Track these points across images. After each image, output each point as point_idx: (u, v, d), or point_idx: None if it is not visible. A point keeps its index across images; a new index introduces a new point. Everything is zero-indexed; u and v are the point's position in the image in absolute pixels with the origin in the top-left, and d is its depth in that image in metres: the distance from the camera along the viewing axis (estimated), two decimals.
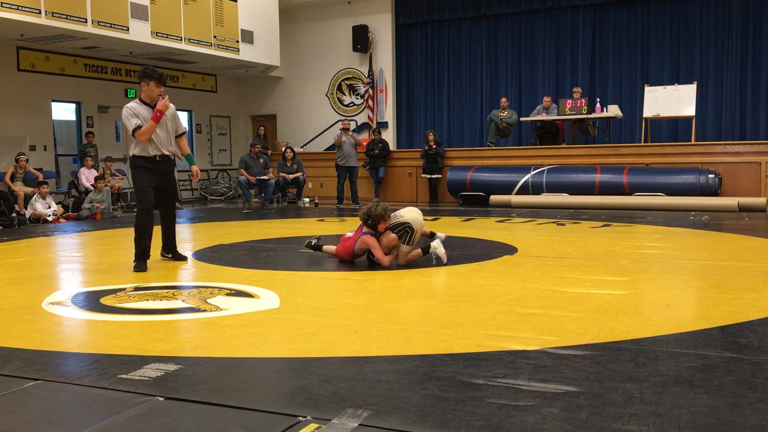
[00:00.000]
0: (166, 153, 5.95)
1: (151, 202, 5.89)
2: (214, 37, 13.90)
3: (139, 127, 5.74)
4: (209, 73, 16.55)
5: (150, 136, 5.77)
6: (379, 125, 15.72)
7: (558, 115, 13.45)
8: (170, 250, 6.29)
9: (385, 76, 16.10)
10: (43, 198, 10.85)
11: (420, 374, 2.89)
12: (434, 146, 13.56)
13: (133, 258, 5.86)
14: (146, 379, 2.87)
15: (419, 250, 5.78)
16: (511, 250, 6.64)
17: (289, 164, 13.80)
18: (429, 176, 13.77)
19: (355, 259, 5.96)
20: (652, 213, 10.45)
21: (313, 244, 6.42)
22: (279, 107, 17.30)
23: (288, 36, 16.46)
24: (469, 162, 13.56)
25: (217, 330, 3.73)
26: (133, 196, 13.54)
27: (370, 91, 16.03)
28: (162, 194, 6.04)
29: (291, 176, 13.62)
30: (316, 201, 13.74)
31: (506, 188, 12.48)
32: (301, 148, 15.84)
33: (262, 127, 15.57)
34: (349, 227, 8.84)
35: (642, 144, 12.80)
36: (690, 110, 12.52)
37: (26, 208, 10.78)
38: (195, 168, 6.26)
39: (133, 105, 5.88)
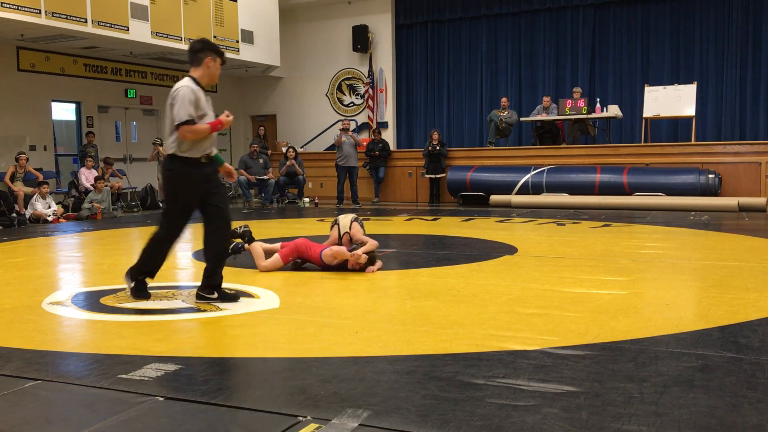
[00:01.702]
0: (211, 153, 4.46)
1: (177, 233, 4.39)
2: (214, 37, 13.88)
3: (193, 122, 4.26)
4: None
5: (194, 140, 4.29)
6: (379, 125, 15.71)
7: (558, 115, 13.45)
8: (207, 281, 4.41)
9: (385, 76, 16.10)
10: (43, 198, 10.84)
11: (420, 374, 2.89)
12: (437, 146, 13.56)
13: (131, 278, 4.49)
14: (146, 379, 2.87)
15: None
16: (511, 250, 6.64)
17: (290, 164, 13.81)
18: (432, 176, 13.76)
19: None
20: (652, 213, 10.45)
21: (241, 236, 5.94)
22: (279, 107, 17.29)
23: (288, 36, 16.45)
24: (469, 162, 13.56)
25: (217, 330, 3.73)
26: (133, 197, 13.51)
27: (370, 91, 16.02)
28: (209, 207, 4.34)
29: (292, 168, 13.64)
30: (316, 201, 13.75)
31: (506, 188, 12.48)
32: (301, 148, 15.83)
33: (262, 127, 15.56)
34: None
35: (642, 144, 12.80)
36: (690, 110, 12.52)
37: (26, 208, 10.77)
38: (227, 166, 4.61)
39: (196, 88, 4.43)
